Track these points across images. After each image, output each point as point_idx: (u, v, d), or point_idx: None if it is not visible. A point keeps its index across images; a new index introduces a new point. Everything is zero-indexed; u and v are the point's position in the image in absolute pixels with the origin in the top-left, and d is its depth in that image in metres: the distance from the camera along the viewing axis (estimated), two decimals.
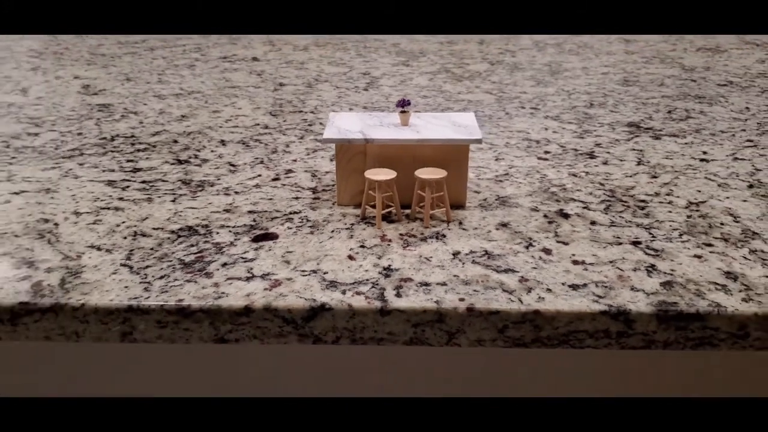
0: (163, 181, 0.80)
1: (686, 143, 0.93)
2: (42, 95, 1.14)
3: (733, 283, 0.59)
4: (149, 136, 0.94)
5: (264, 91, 1.16)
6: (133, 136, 0.94)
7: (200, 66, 1.32)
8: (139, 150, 0.89)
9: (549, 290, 0.58)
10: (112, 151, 0.89)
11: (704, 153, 0.89)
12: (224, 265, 0.62)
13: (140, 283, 0.59)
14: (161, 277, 0.59)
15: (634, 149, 0.90)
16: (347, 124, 0.73)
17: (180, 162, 0.85)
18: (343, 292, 0.58)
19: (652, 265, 0.62)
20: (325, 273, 0.60)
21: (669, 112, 1.06)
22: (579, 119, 1.02)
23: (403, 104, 0.72)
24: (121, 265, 0.61)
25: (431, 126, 0.73)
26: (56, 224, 0.69)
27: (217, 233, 0.67)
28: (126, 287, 0.58)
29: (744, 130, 0.98)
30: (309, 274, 0.60)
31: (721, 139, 0.94)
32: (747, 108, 1.08)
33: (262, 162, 0.86)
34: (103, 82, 1.21)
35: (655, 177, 0.82)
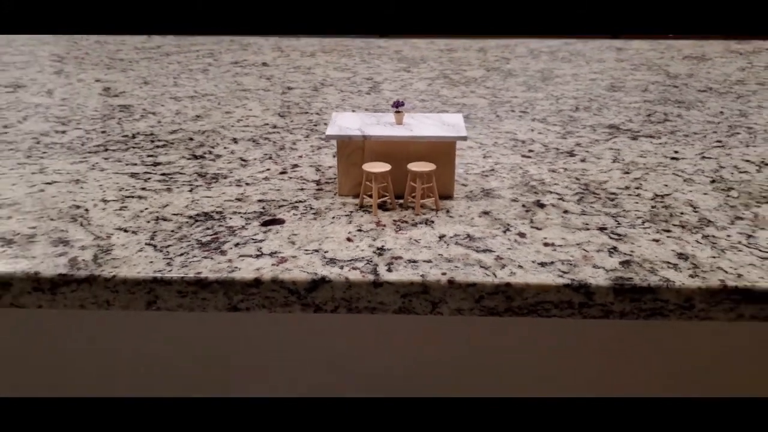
0: (181, 173, 0.88)
1: (660, 143, 1.01)
2: (66, 97, 1.23)
3: (684, 263, 0.67)
4: (167, 134, 1.03)
5: (273, 94, 1.25)
6: (152, 134, 1.03)
7: (213, 70, 1.41)
8: (158, 146, 0.98)
9: (520, 266, 0.66)
10: (134, 147, 0.97)
11: (675, 152, 0.98)
12: (237, 245, 0.70)
13: (163, 259, 0.67)
14: (181, 254, 0.68)
15: (611, 148, 0.99)
16: (348, 122, 0.82)
17: (196, 157, 0.94)
18: (341, 267, 0.66)
19: (614, 247, 0.70)
20: (325, 252, 0.69)
21: (648, 115, 1.15)
22: (563, 121, 1.11)
23: (398, 105, 0.80)
24: (146, 244, 0.70)
25: (423, 125, 0.81)
26: (86, 210, 0.78)
27: (230, 218, 0.76)
28: (151, 262, 0.67)
29: (715, 132, 1.06)
30: (311, 253, 0.69)
31: (692, 140, 1.03)
32: (721, 112, 1.16)
33: (270, 158, 0.94)
34: (123, 84, 1.30)
35: (627, 173, 0.90)
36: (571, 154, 0.96)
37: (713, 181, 0.87)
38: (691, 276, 0.65)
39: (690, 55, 1.59)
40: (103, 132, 1.04)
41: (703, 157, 0.96)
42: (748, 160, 0.95)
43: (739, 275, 0.65)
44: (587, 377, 0.87)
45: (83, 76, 1.36)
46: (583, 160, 0.94)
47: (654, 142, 1.01)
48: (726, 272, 0.66)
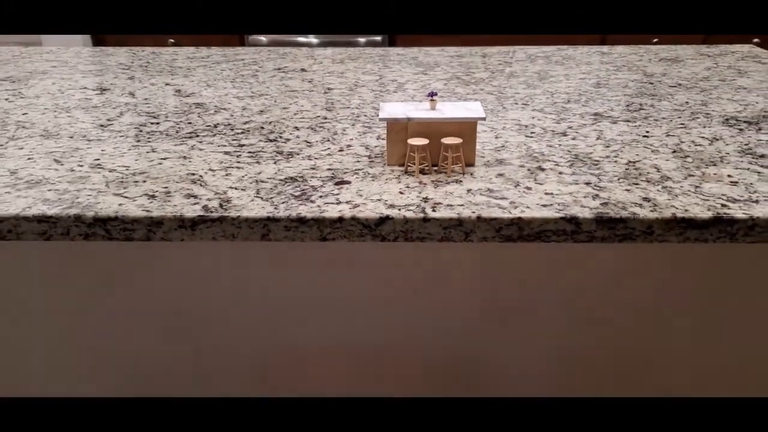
0: (263, 152, 1.15)
1: (635, 126, 1.28)
2: (147, 97, 1.49)
3: (647, 203, 0.94)
4: (242, 125, 1.29)
5: (316, 93, 1.52)
6: (229, 125, 1.29)
7: (261, 75, 1.68)
8: (237, 133, 1.24)
9: (528, 207, 0.93)
10: (219, 134, 1.24)
11: (647, 132, 1.24)
12: (320, 196, 0.97)
13: (270, 205, 0.94)
14: (283, 203, 0.94)
15: (596, 130, 1.25)
16: (394, 109, 1.09)
17: (270, 140, 1.20)
18: (399, 210, 0.92)
19: (596, 194, 0.97)
20: (386, 200, 0.95)
21: (627, 105, 1.41)
22: (557, 111, 1.37)
23: (432, 94, 1.07)
24: (255, 197, 0.97)
25: (451, 109, 1.08)
26: (201, 176, 1.04)
27: (310, 180, 1.02)
28: (262, 207, 0.93)
29: (680, 117, 1.33)
30: (375, 201, 0.95)
31: (661, 123, 1.29)
32: (686, 102, 1.43)
33: (328, 140, 1.21)
34: (190, 87, 1.57)
35: (608, 146, 1.16)
36: (564, 134, 1.23)
37: (674, 152, 1.14)
38: (651, 211, 0.91)
39: (665, 57, 1.86)
40: (189, 123, 1.30)
41: (668, 135, 1.22)
42: (703, 137, 1.21)
43: (686, 210, 0.92)
44: (575, 280, 1.14)
45: (153, 81, 1.62)
46: (573, 138, 1.20)
47: (630, 125, 1.28)
48: (677, 208, 0.92)
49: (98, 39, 3.16)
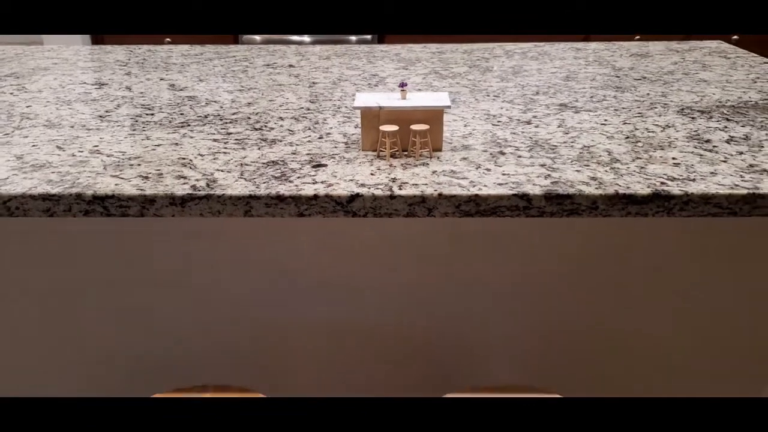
0: (248, 139, 1.25)
1: (595, 115, 1.38)
2: (143, 91, 1.59)
3: (593, 182, 1.04)
4: (230, 115, 1.39)
5: (302, 87, 1.62)
6: (219, 116, 1.39)
7: (251, 71, 1.78)
8: (226, 123, 1.34)
9: (485, 186, 1.03)
10: (209, 124, 1.34)
11: (605, 120, 1.34)
12: (298, 177, 1.07)
13: (253, 185, 1.04)
14: (264, 183, 1.04)
15: (558, 119, 1.35)
16: (368, 99, 1.19)
17: (256, 129, 1.30)
18: (369, 188, 1.02)
19: (549, 174, 1.07)
20: (357, 180, 1.05)
21: (591, 97, 1.51)
22: (525, 102, 1.47)
23: (403, 85, 1.17)
24: (239, 177, 1.07)
25: (420, 99, 1.18)
26: (190, 160, 1.14)
27: (290, 164, 1.12)
28: (245, 187, 1.03)
29: (639, 108, 1.43)
30: (348, 181, 1.05)
31: (620, 112, 1.39)
32: (648, 94, 1.53)
33: (309, 129, 1.31)
34: (183, 82, 1.66)
35: (566, 133, 1.26)
36: (528, 122, 1.33)
37: (627, 138, 1.24)
38: (596, 188, 1.01)
39: (635, 53, 1.96)
40: (182, 114, 1.40)
41: (624, 123, 1.32)
42: (656, 125, 1.31)
43: (628, 188, 1.02)
44: (526, 246, 1.24)
45: (149, 76, 1.73)
46: (536, 126, 1.30)
47: (591, 114, 1.38)
48: (620, 186, 1.02)
49: (97, 39, 3.26)
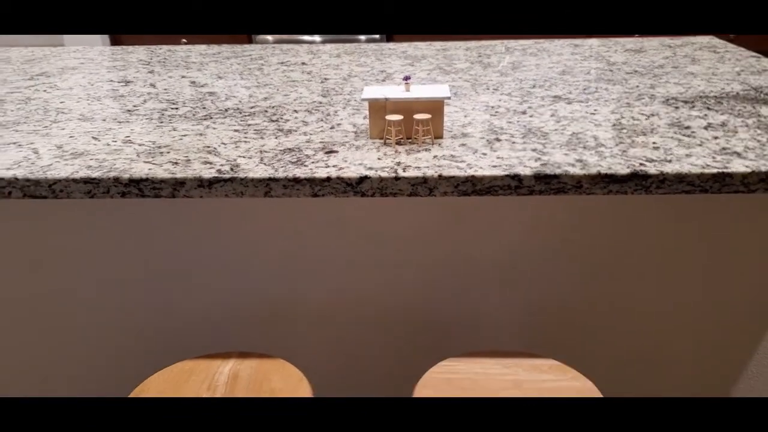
0: (266, 129, 1.37)
1: (587, 105, 1.49)
2: (166, 87, 1.72)
3: (579, 163, 1.15)
4: (249, 109, 1.51)
5: (314, 83, 1.73)
6: (238, 109, 1.51)
7: (266, 68, 1.90)
8: (245, 115, 1.46)
9: (481, 168, 1.14)
10: (229, 116, 1.46)
11: (595, 110, 1.45)
12: (312, 162, 1.18)
13: (272, 169, 1.15)
14: (281, 167, 1.16)
15: (551, 109, 1.46)
16: (375, 91, 1.30)
17: (272, 121, 1.42)
18: (376, 171, 1.14)
19: (539, 158, 1.18)
20: (366, 164, 1.17)
21: (584, 89, 1.62)
22: (522, 95, 1.59)
23: (407, 78, 1.29)
24: (259, 163, 1.18)
25: (423, 91, 1.29)
26: (215, 148, 1.26)
27: (305, 151, 1.24)
28: (265, 170, 1.15)
29: (627, 99, 1.54)
30: (357, 165, 1.17)
31: (609, 103, 1.50)
32: (637, 86, 1.64)
33: (322, 120, 1.42)
34: (203, 79, 1.79)
35: (558, 122, 1.38)
36: (524, 113, 1.44)
37: (614, 125, 1.35)
38: (581, 169, 1.13)
39: (630, 48, 2.07)
40: (204, 108, 1.52)
41: (613, 113, 1.43)
42: (642, 114, 1.42)
43: (610, 168, 1.13)
44: (519, 223, 1.35)
45: (171, 74, 1.85)
46: (531, 116, 1.42)
47: (582, 104, 1.49)
48: (602, 167, 1.13)
49: (116, 39, 3.39)
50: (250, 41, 3.34)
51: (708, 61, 1.87)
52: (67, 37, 3.40)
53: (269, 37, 3.34)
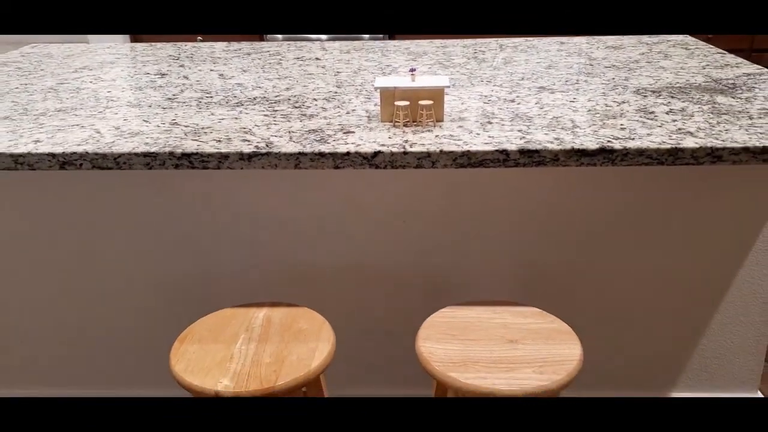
0: (292, 114, 1.60)
1: (567, 95, 1.72)
2: (198, 79, 1.95)
3: (557, 140, 1.38)
4: (274, 97, 1.74)
5: (329, 75, 1.97)
6: (265, 98, 1.74)
7: (284, 63, 2.13)
8: (272, 103, 1.69)
9: (475, 144, 1.38)
10: (258, 104, 1.69)
11: (574, 98, 1.69)
12: (334, 140, 1.41)
13: (300, 145, 1.39)
14: (308, 144, 1.39)
15: (536, 97, 1.70)
16: (385, 81, 1.53)
17: (296, 107, 1.65)
18: (387, 147, 1.37)
19: (524, 137, 1.41)
20: (379, 142, 1.40)
21: (566, 81, 1.86)
22: (511, 85, 1.82)
23: (412, 70, 1.52)
24: (289, 140, 1.42)
25: (426, 81, 1.52)
26: (249, 129, 1.49)
27: (326, 131, 1.47)
28: (294, 146, 1.38)
29: (603, 89, 1.77)
30: (372, 143, 1.40)
31: (587, 92, 1.74)
32: (613, 79, 1.87)
33: (338, 107, 1.65)
34: (230, 72, 2.02)
35: (541, 108, 1.61)
36: (513, 101, 1.67)
37: (589, 111, 1.58)
38: (558, 145, 1.36)
39: (611, 45, 2.30)
40: (235, 97, 1.75)
41: (589, 100, 1.67)
42: (614, 101, 1.66)
43: (582, 144, 1.36)
44: (504, 188, 1.58)
45: (200, 68, 2.08)
46: (518, 104, 1.65)
47: (563, 94, 1.72)
48: (576, 143, 1.37)
49: (135, 38, 3.62)
50: (261, 39, 3.56)
51: (679, 57, 2.10)
52: (90, 36, 3.63)
53: (279, 36, 3.57)
